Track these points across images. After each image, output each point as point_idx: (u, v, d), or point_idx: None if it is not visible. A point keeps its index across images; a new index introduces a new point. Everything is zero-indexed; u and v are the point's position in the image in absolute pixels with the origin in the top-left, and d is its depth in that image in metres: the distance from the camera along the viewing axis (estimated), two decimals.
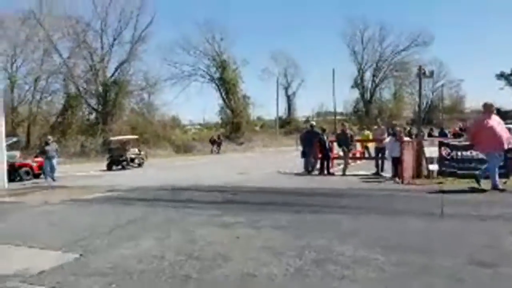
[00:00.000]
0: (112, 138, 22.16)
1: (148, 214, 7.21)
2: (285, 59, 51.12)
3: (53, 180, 14.94)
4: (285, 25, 77.94)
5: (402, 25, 77.72)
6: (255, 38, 72.20)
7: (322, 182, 11.22)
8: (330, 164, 13.62)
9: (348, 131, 13.51)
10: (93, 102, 32.10)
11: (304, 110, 60.31)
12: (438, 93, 64.92)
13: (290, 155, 22.74)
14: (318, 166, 13.59)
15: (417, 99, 16.07)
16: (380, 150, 13.02)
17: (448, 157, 10.60)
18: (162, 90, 35.52)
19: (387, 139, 11.49)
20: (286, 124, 50.06)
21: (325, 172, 13.26)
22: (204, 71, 41.51)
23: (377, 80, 54.64)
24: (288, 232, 5.50)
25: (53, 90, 31.47)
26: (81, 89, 31.30)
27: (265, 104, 58.59)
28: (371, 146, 15.08)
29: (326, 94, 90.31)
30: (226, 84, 38.89)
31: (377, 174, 12.65)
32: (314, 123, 14.12)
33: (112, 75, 32.01)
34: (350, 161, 13.96)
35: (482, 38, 77.81)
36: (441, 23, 74.99)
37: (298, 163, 14.11)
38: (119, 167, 19.95)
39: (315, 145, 13.52)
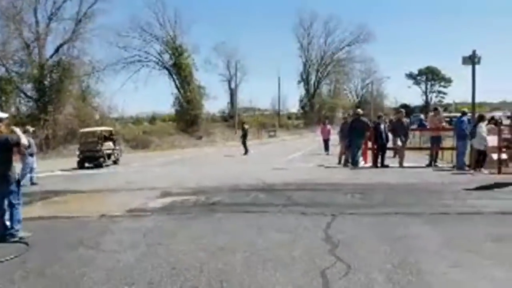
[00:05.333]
0: (83, 130, 18.08)
1: (336, 226, 5.03)
2: (229, 50, 48.57)
3: (33, 183, 11.26)
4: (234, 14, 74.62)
5: (349, 21, 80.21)
6: (200, 26, 67.41)
7: (407, 176, 9.81)
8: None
9: (404, 120, 12.31)
10: (27, 88, 26.56)
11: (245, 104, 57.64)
12: (367, 89, 68.97)
13: (280, 148, 21.16)
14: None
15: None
16: (436, 139, 12.19)
17: None
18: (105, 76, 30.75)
19: (483, 128, 10.26)
20: (230, 117, 47.74)
21: (379, 164, 11.94)
22: (155, 57, 37.61)
23: (321, 76, 55.27)
24: None
25: None
26: (11, 72, 25.61)
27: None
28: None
29: (269, 88, 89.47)
30: (181, 72, 35.20)
31: (429, 165, 11.82)
32: (361, 111, 12.59)
33: (51, 56, 26.84)
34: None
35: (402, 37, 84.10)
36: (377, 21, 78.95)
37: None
38: (91, 165, 16.41)
39: (368, 135, 12.13)
